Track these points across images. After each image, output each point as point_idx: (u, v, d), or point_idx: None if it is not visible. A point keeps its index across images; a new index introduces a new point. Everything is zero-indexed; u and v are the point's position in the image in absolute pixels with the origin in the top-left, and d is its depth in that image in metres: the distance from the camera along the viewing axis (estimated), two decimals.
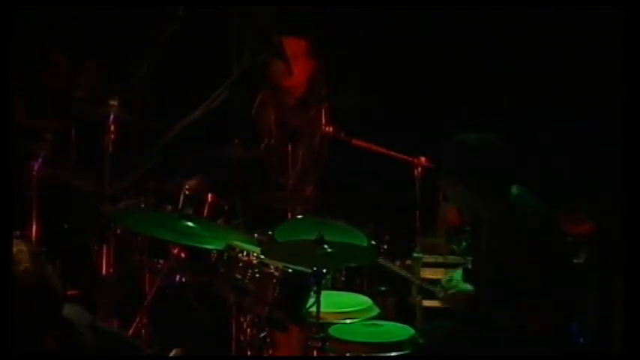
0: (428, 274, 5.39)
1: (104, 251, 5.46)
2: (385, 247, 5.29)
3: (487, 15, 6.17)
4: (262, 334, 4.72)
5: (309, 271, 4.38)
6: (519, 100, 6.12)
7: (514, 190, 4.37)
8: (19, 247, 3.29)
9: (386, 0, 6.37)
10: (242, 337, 4.80)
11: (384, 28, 6.43)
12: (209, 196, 5.20)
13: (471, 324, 4.46)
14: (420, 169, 5.48)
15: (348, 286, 5.13)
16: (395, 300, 5.49)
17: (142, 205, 5.28)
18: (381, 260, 4.83)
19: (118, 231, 5.39)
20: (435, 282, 4.84)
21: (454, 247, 5.53)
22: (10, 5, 4.11)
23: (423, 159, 5.49)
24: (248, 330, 4.77)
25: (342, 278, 5.15)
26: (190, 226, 4.50)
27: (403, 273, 5.00)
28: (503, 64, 6.23)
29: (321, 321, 4.34)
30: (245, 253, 4.72)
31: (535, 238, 4.25)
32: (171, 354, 4.84)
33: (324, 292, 4.31)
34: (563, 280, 4.29)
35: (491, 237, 4.42)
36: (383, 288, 5.47)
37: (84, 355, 3.39)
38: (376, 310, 4.76)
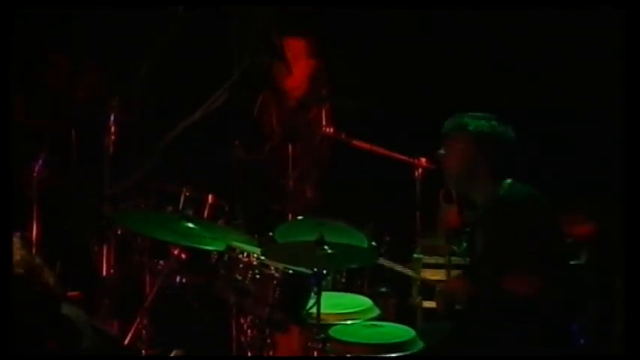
0: (428, 275, 5.39)
1: (104, 252, 5.47)
2: (385, 247, 5.30)
3: (487, 15, 6.17)
4: (263, 336, 4.71)
5: (310, 272, 4.38)
6: (519, 100, 6.11)
7: (511, 182, 4.40)
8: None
9: (386, 0, 6.36)
10: (242, 338, 4.80)
11: (384, 28, 6.42)
12: (209, 197, 5.20)
13: (471, 324, 4.47)
14: (420, 170, 5.48)
15: (349, 287, 5.13)
16: (395, 301, 5.49)
17: (143, 206, 5.29)
18: (381, 261, 4.83)
19: (119, 232, 5.40)
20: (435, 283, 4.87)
21: (454, 248, 5.53)
22: (10, 5, 4.11)
23: (423, 160, 5.48)
24: (248, 331, 4.77)
25: (343, 279, 5.14)
26: (191, 227, 4.50)
27: (404, 271, 4.97)
28: (503, 64, 6.22)
29: (321, 322, 4.33)
30: (245, 254, 4.72)
31: (533, 233, 4.26)
32: (172, 354, 4.85)
33: (324, 293, 4.31)
34: (563, 277, 4.30)
35: (488, 234, 4.43)
36: (383, 289, 5.47)
37: (84, 355, 3.40)
38: (377, 312, 4.75)
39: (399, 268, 4.92)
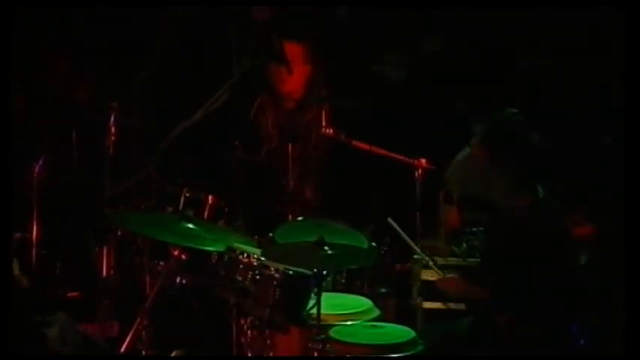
0: (428, 275, 5.39)
1: (105, 253, 5.47)
2: (385, 248, 5.31)
3: (487, 15, 6.17)
4: (263, 336, 4.71)
5: (310, 272, 4.38)
6: (519, 100, 6.11)
7: (540, 191, 4.38)
8: None
9: (386, 0, 6.37)
10: (242, 339, 4.80)
11: (385, 28, 6.43)
12: (209, 197, 5.19)
13: (471, 324, 4.48)
14: (420, 170, 5.49)
15: (349, 288, 5.14)
16: (395, 302, 5.50)
17: (143, 207, 5.29)
18: (390, 221, 4.79)
19: (119, 233, 5.39)
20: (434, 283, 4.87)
21: (454, 248, 5.53)
22: (10, 5, 4.12)
23: (423, 161, 5.49)
24: (248, 332, 4.76)
25: (343, 280, 5.15)
26: (191, 228, 4.50)
27: (410, 242, 4.93)
28: (503, 64, 6.23)
29: (321, 323, 4.34)
30: (245, 255, 4.72)
31: (558, 240, 4.26)
32: (172, 355, 4.85)
33: (324, 294, 4.31)
34: (574, 280, 4.32)
35: (510, 236, 4.40)
36: (383, 290, 5.48)
37: (84, 355, 3.41)
38: (377, 312, 4.76)
39: (405, 236, 4.87)
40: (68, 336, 3.48)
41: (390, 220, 4.73)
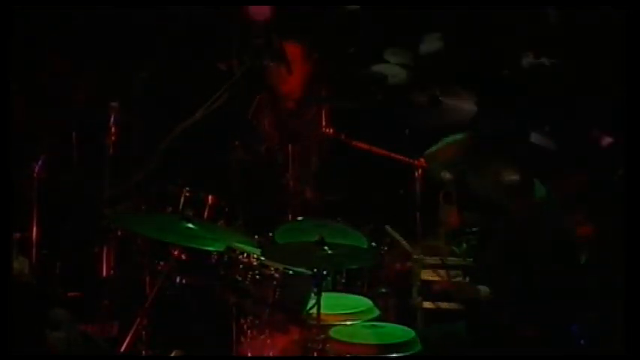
0: (428, 275, 5.39)
1: (105, 253, 5.47)
2: (385, 248, 5.31)
3: (487, 15, 6.17)
4: (263, 336, 4.72)
5: (310, 272, 4.38)
6: (519, 100, 6.11)
7: (541, 189, 4.39)
8: None
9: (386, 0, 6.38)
10: (242, 339, 4.80)
11: (385, 28, 6.43)
12: (209, 197, 5.20)
13: (472, 324, 4.48)
14: (420, 170, 5.49)
15: (349, 288, 5.14)
16: (395, 302, 5.50)
17: (143, 207, 5.29)
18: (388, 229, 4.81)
19: (119, 233, 5.39)
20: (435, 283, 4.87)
21: (454, 248, 5.53)
22: (10, 5, 4.12)
23: (423, 160, 5.49)
24: (248, 332, 4.77)
25: (343, 280, 5.16)
26: (191, 228, 4.50)
27: (407, 246, 4.94)
28: (503, 64, 6.23)
29: (321, 323, 4.34)
30: (245, 255, 4.73)
31: (558, 240, 4.26)
32: (172, 355, 4.85)
33: (324, 294, 4.32)
34: (574, 280, 4.32)
35: (514, 234, 4.40)
36: (383, 290, 5.48)
37: (84, 355, 3.41)
38: (376, 312, 4.77)
39: (400, 239, 4.87)
40: (72, 337, 3.48)
41: (388, 227, 4.75)
